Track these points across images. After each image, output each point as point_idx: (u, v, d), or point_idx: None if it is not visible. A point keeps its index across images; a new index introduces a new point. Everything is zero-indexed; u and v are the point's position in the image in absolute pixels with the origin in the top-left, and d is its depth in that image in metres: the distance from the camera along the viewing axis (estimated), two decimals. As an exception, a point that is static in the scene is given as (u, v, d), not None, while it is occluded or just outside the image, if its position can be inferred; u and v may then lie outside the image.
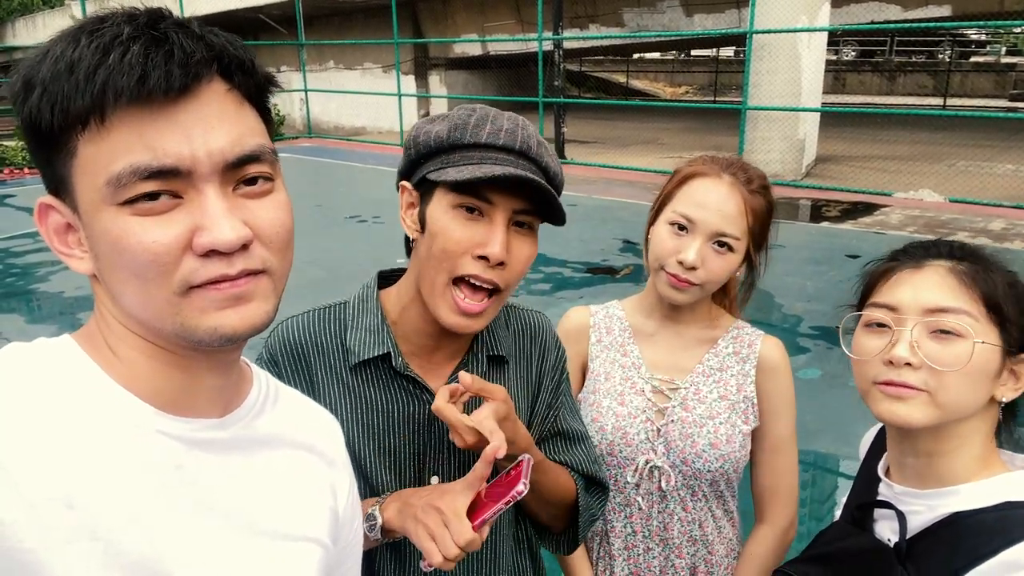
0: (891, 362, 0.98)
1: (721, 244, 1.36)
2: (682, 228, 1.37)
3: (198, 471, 0.69)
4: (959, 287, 0.98)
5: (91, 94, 0.59)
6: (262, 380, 0.82)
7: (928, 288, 0.99)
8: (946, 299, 0.98)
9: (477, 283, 1.02)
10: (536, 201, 1.02)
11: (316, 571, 0.78)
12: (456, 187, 0.99)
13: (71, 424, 0.62)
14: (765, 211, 1.40)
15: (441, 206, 1.01)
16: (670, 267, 1.37)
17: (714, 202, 1.35)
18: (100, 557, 0.61)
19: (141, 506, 0.64)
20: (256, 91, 0.69)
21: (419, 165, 1.05)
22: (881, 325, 1.02)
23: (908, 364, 0.97)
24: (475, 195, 0.99)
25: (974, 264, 1.00)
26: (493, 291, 1.03)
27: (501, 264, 1.01)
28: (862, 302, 1.08)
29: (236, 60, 0.66)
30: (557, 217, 1.04)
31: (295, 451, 0.81)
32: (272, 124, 0.74)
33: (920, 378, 0.97)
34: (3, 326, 5.85)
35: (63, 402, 0.63)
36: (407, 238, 1.11)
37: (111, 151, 0.61)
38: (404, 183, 1.08)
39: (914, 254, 1.05)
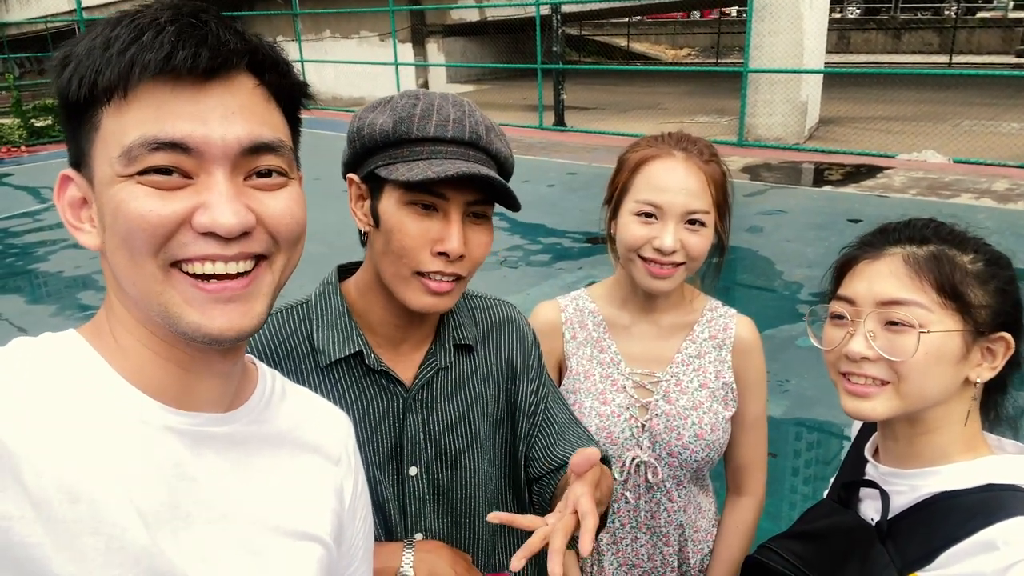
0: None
1: (693, 222, 1.34)
2: (649, 216, 1.34)
3: (199, 466, 0.69)
4: (911, 277, 0.97)
5: (119, 68, 0.61)
6: (267, 378, 0.82)
7: (881, 279, 0.99)
8: (897, 290, 0.97)
9: (440, 277, 1.01)
10: (489, 190, 1.01)
11: (316, 570, 0.79)
12: (408, 186, 0.96)
13: (75, 418, 0.63)
14: (722, 179, 1.38)
15: (393, 202, 0.99)
16: (646, 253, 1.34)
17: (676, 182, 1.32)
18: (102, 552, 0.61)
19: (142, 501, 0.64)
20: (287, 94, 0.70)
21: (365, 158, 1.03)
22: (842, 317, 1.03)
23: (865, 358, 0.98)
24: (428, 192, 0.97)
25: (937, 246, 0.99)
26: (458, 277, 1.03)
27: (461, 257, 1.00)
28: (833, 291, 1.08)
29: (270, 59, 0.68)
30: (511, 204, 1.03)
31: (299, 450, 0.81)
32: (299, 133, 0.75)
33: (879, 370, 0.98)
34: (2, 307, 5.77)
35: (68, 396, 0.63)
36: (360, 230, 1.08)
37: (130, 123, 0.62)
38: (352, 176, 1.05)
39: (874, 242, 1.05)
